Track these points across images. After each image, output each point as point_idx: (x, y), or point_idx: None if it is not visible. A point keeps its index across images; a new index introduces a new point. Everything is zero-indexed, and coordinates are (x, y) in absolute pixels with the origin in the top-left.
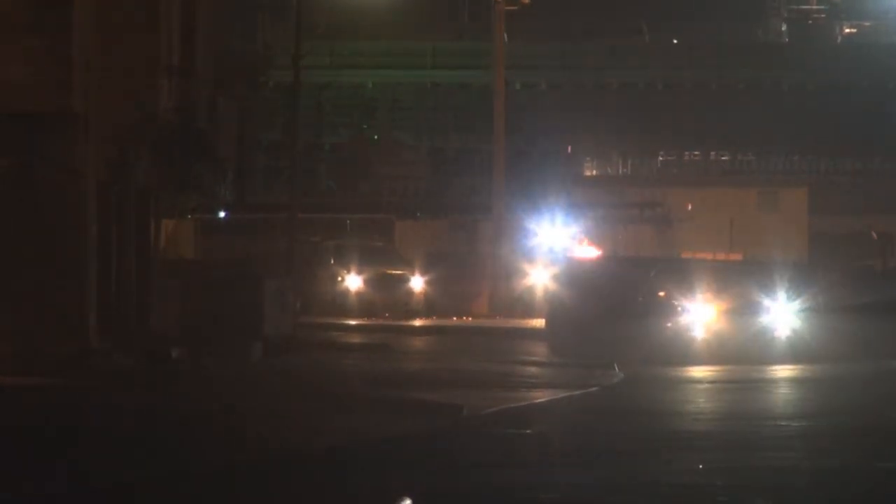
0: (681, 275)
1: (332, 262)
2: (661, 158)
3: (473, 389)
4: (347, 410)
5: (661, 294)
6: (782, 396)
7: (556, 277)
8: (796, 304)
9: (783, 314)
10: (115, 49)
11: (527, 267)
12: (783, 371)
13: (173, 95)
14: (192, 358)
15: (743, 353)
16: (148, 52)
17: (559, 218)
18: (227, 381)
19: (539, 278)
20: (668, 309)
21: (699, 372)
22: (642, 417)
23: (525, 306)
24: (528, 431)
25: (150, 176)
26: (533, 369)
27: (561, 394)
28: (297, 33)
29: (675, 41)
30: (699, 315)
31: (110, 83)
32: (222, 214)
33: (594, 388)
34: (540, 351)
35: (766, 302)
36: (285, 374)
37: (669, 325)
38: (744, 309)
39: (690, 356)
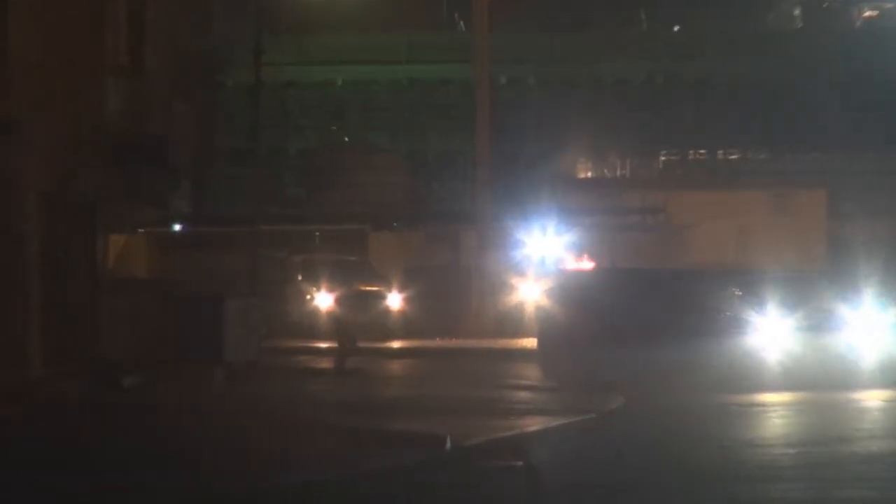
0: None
1: (300, 278)
2: (662, 158)
3: (458, 418)
4: (321, 443)
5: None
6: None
7: (549, 292)
8: (884, 319)
9: (867, 330)
10: (58, 49)
11: (516, 281)
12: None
13: (123, 98)
14: (146, 386)
15: (812, 377)
16: (94, 51)
17: (551, 226)
18: (185, 412)
19: (530, 293)
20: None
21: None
22: (643, 447)
23: (514, 324)
24: (518, 464)
25: (99, 187)
26: (524, 394)
27: (554, 422)
28: (257, 24)
29: (676, 29)
30: (766, 333)
31: (53, 86)
32: (178, 228)
33: (592, 415)
34: (531, 374)
35: (849, 316)
36: (251, 403)
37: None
38: (821, 325)
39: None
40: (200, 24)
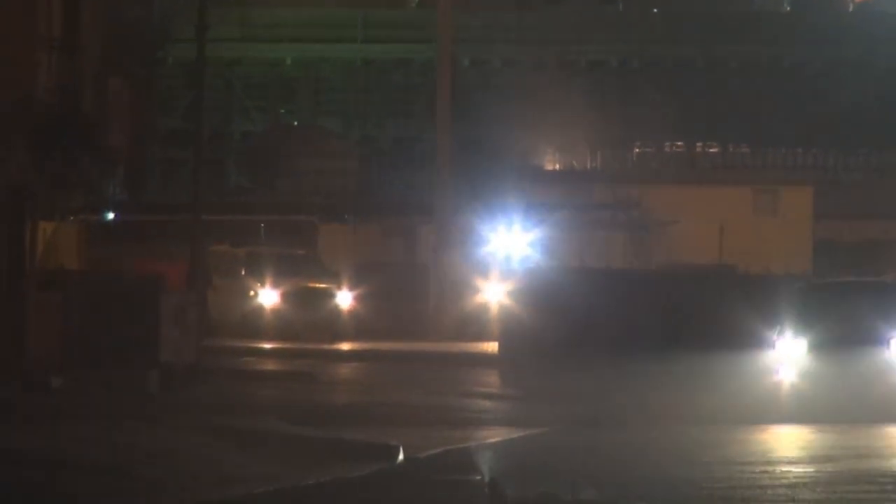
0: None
1: (243, 273)
2: (637, 150)
3: (412, 427)
4: (264, 453)
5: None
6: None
7: (513, 293)
8: None
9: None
10: None
11: (478, 280)
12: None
13: (54, 74)
14: (75, 388)
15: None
16: (24, 23)
17: (516, 222)
18: (117, 418)
19: (492, 294)
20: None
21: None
22: (609, 460)
23: (475, 327)
24: (476, 478)
25: (26, 171)
26: (483, 403)
27: (515, 433)
28: None
29: (654, 10)
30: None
31: None
32: (111, 216)
33: (555, 427)
34: (491, 381)
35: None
36: (188, 408)
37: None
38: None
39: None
40: None
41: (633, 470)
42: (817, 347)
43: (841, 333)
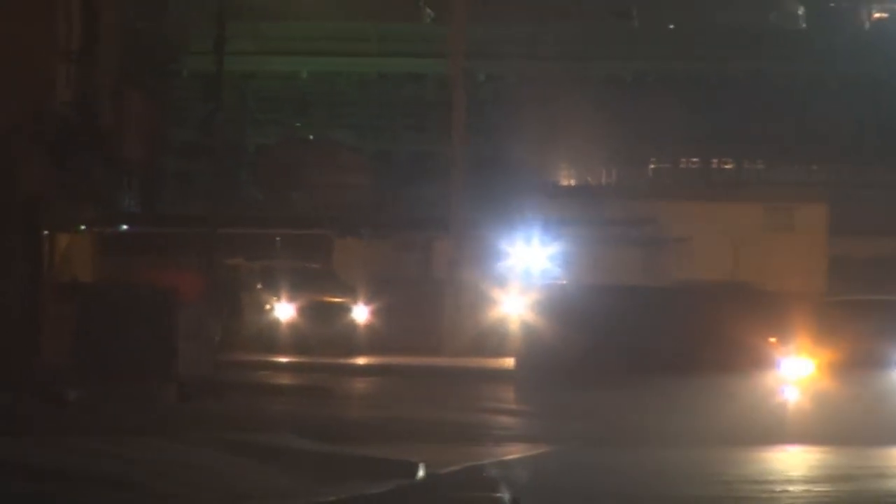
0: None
1: (259, 287)
2: (652, 167)
3: (430, 443)
4: (281, 469)
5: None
6: None
7: (530, 309)
8: None
9: None
10: (3, 31)
11: (493, 295)
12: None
13: (72, 87)
14: (91, 402)
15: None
16: (42, 36)
17: (532, 237)
18: (133, 432)
19: (508, 309)
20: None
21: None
22: (629, 478)
23: (491, 342)
24: (497, 495)
25: (42, 182)
26: (502, 419)
27: (535, 450)
28: (219, 8)
29: (670, 27)
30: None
31: None
32: (126, 228)
33: (574, 444)
34: (508, 397)
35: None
36: (204, 423)
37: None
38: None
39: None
40: (154, 6)
41: (653, 488)
42: (826, 368)
43: (851, 353)
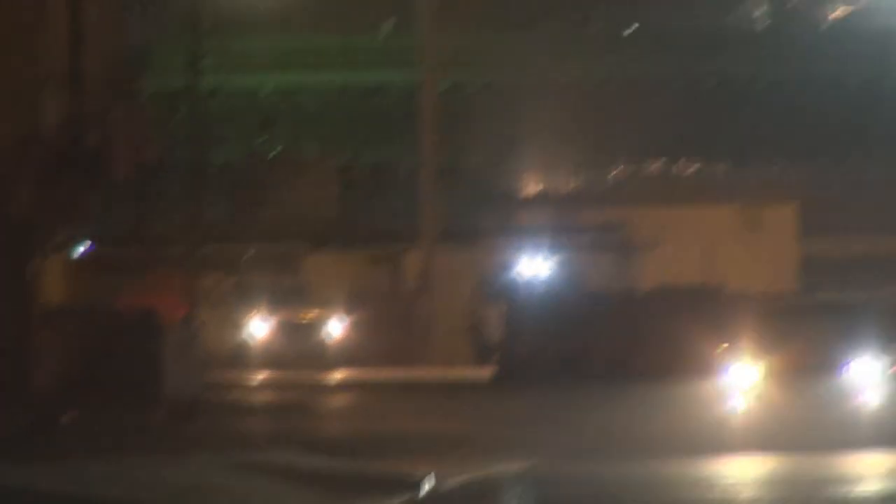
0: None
1: (231, 304)
2: (619, 171)
3: (427, 456)
4: (282, 487)
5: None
6: None
7: (504, 318)
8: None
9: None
10: None
11: (465, 305)
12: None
13: (60, 108)
14: (84, 425)
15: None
16: (28, 58)
17: (503, 246)
18: (129, 454)
19: (482, 319)
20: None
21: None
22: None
23: (465, 353)
24: None
25: (31, 207)
26: (487, 429)
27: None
28: (195, 25)
29: (632, 30)
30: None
31: None
32: (104, 247)
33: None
34: (488, 407)
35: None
36: (198, 443)
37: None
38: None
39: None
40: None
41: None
42: (773, 373)
43: (799, 358)
